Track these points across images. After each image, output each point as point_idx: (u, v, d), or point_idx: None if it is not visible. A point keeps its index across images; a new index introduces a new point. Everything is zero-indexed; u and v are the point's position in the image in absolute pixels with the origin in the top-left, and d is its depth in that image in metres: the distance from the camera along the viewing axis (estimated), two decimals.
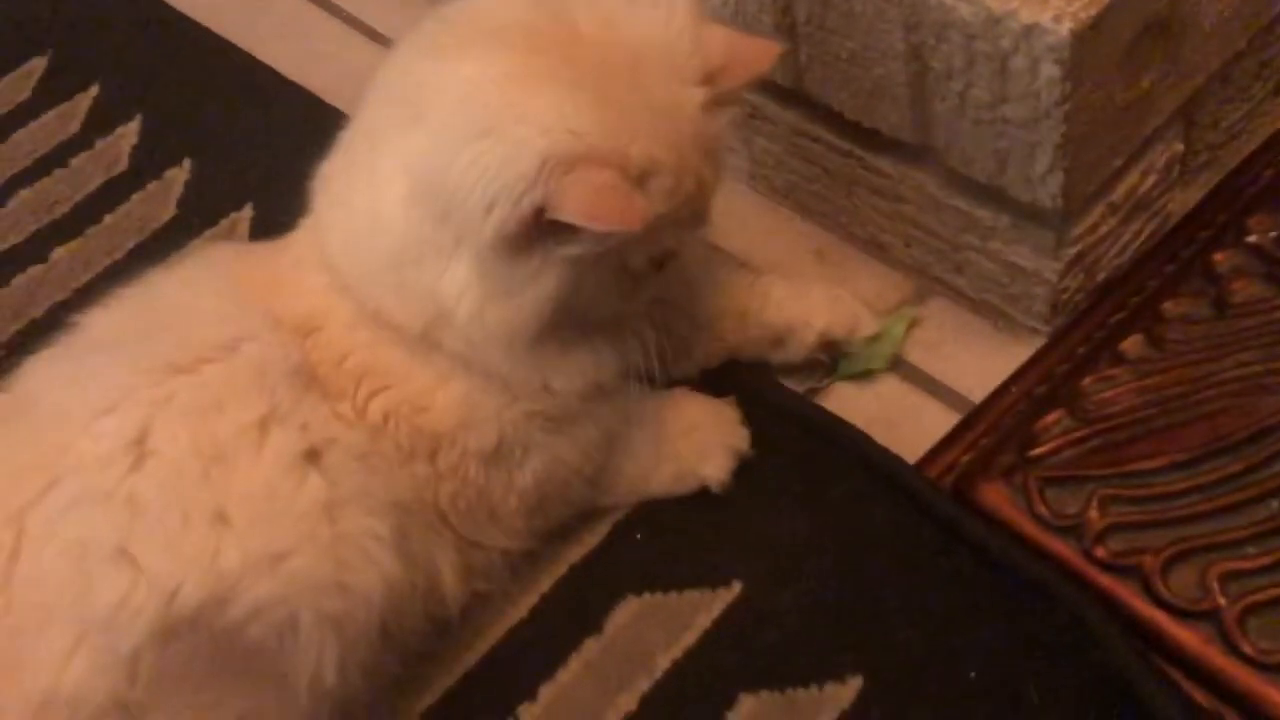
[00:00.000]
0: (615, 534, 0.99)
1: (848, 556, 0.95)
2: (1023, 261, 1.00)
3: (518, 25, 0.81)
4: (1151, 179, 1.02)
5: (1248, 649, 0.86)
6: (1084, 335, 1.02)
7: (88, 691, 0.78)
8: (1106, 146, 0.94)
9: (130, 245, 1.24)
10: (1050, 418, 0.97)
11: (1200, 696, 0.86)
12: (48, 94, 1.39)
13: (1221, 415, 0.94)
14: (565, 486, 0.94)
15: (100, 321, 0.90)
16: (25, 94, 1.40)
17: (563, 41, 0.81)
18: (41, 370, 0.88)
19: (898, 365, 1.06)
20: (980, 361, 1.05)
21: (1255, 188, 1.07)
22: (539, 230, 0.78)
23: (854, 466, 0.99)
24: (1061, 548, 0.92)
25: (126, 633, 0.77)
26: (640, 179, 0.79)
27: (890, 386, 1.05)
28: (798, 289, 1.05)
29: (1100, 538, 0.91)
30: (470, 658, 0.95)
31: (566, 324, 0.85)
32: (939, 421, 1.01)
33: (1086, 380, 0.98)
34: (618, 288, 0.86)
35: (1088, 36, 0.84)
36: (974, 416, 1.01)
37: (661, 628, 0.94)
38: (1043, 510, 0.93)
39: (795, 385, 1.05)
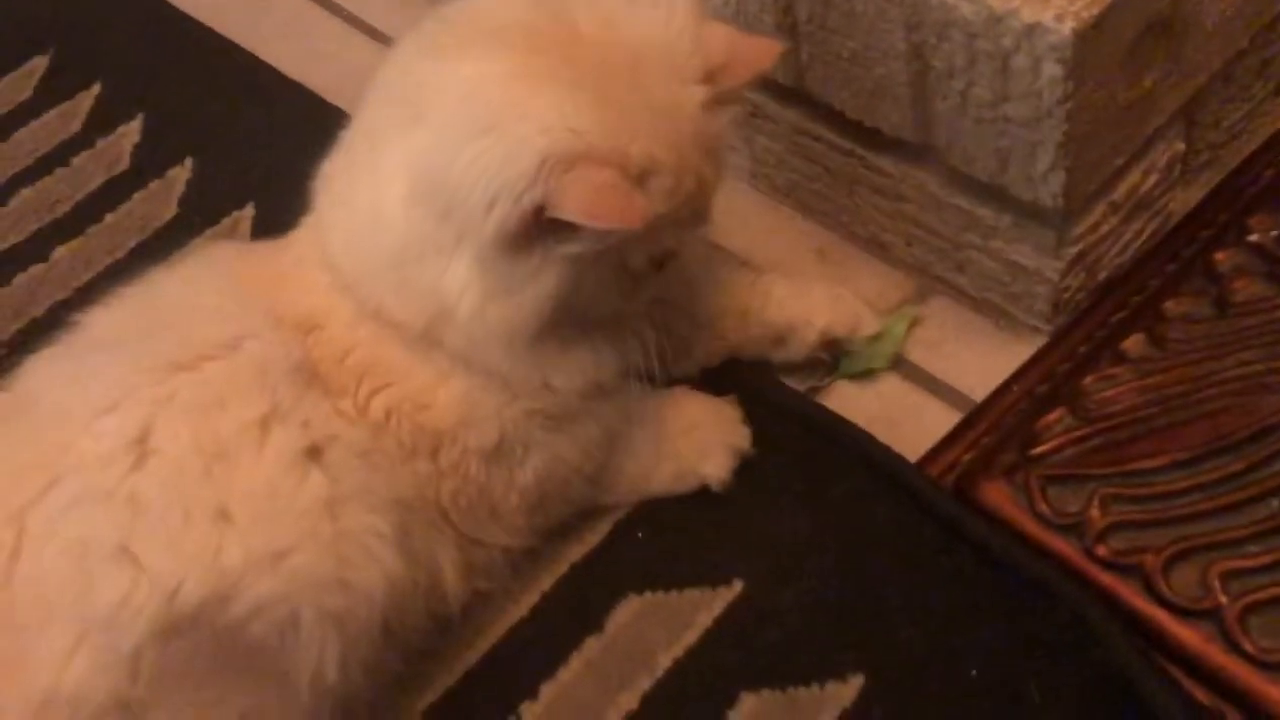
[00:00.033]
0: (616, 532, 0.99)
1: (849, 555, 0.95)
2: (1024, 260, 1.00)
3: (518, 25, 0.81)
4: (1153, 178, 1.02)
5: (1249, 647, 0.86)
6: (1085, 334, 1.02)
7: (89, 690, 0.78)
8: (1108, 145, 0.94)
9: (132, 244, 1.25)
10: (1052, 416, 0.97)
11: (1201, 695, 0.86)
12: (49, 93, 1.39)
13: (1223, 414, 0.94)
14: (566, 484, 0.94)
15: (101, 320, 0.90)
16: (27, 93, 1.40)
17: (563, 41, 0.81)
18: (42, 369, 0.88)
19: (899, 364, 1.06)
20: (981, 360, 1.05)
21: (1256, 187, 1.07)
22: (539, 228, 0.78)
23: (855, 465, 0.99)
24: (1063, 546, 0.92)
25: (128, 631, 0.77)
26: (640, 178, 0.79)
27: (891, 385, 1.05)
28: (799, 288, 1.05)
29: (1102, 536, 0.91)
30: (471, 655, 0.95)
31: (567, 322, 0.85)
32: (940, 420, 1.01)
33: (1088, 379, 0.98)
34: (618, 286, 0.86)
35: (1090, 35, 0.84)
36: (975, 415, 1.01)
37: (663, 626, 0.94)
38: (1044, 509, 0.93)
39: (796, 384, 1.05)
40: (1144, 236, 1.06)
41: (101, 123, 1.35)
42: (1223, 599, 0.87)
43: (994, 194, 0.98)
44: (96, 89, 1.39)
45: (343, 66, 1.34)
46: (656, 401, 0.98)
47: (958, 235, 1.03)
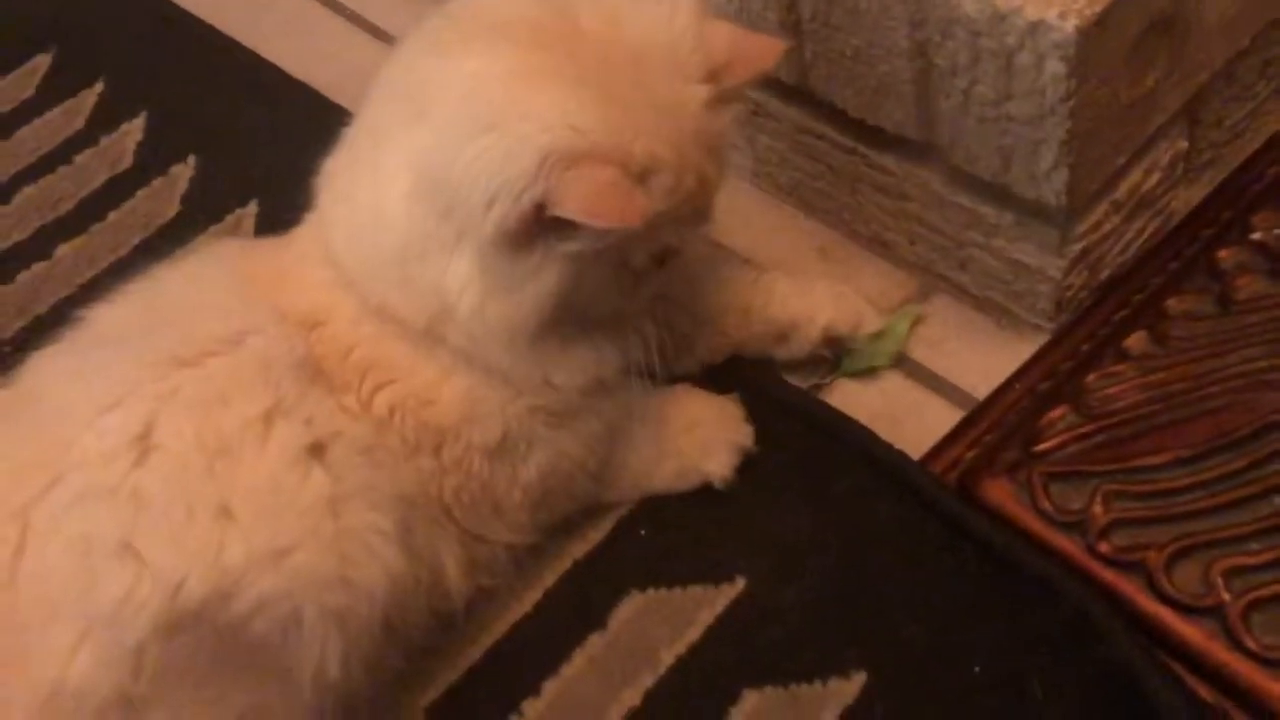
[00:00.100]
0: (619, 529, 0.99)
1: (851, 552, 0.95)
2: (1027, 259, 1.00)
3: (521, 22, 0.82)
4: (1155, 176, 1.02)
5: (1251, 644, 0.86)
6: (1088, 332, 1.02)
7: (93, 685, 0.78)
8: (1111, 144, 0.94)
9: (135, 241, 1.25)
10: (1054, 414, 0.97)
11: (1204, 692, 0.86)
12: (52, 91, 1.40)
13: (1225, 411, 0.94)
14: (568, 481, 0.94)
15: (105, 317, 0.90)
16: (30, 91, 1.40)
17: (566, 38, 0.81)
18: (46, 366, 0.89)
19: (902, 362, 1.06)
20: (984, 358, 1.05)
21: (1259, 185, 1.07)
22: (540, 226, 0.78)
23: (858, 463, 0.99)
24: (1066, 543, 0.92)
25: (131, 627, 0.77)
26: (642, 176, 0.79)
27: (894, 383, 1.05)
28: (801, 285, 1.05)
29: (1104, 533, 0.91)
30: (474, 652, 0.95)
31: (568, 320, 0.85)
32: (943, 418, 1.02)
33: (1090, 377, 0.98)
34: (619, 284, 0.86)
35: (1093, 33, 0.84)
36: (978, 413, 1.01)
37: (665, 623, 0.94)
38: (1047, 506, 0.93)
39: (799, 381, 1.05)
40: (1146, 235, 1.06)
41: (104, 120, 1.36)
42: (1225, 596, 0.87)
43: (997, 192, 0.98)
44: (99, 87, 1.39)
45: (345, 64, 1.34)
46: (659, 399, 0.98)
47: (960, 233, 1.03)
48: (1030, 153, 0.91)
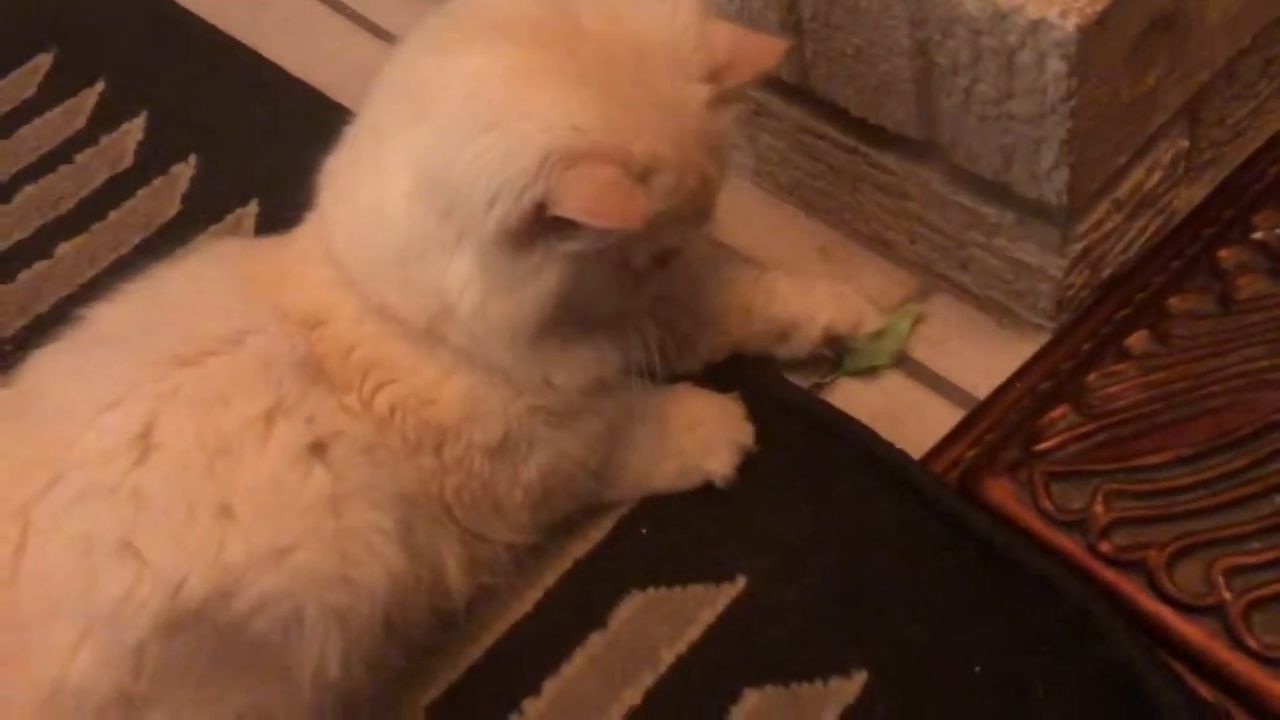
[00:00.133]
0: (620, 529, 0.99)
1: (852, 552, 0.95)
2: (1028, 258, 1.00)
3: (522, 21, 0.81)
4: (1157, 175, 1.02)
5: (1253, 643, 0.85)
6: (1089, 331, 1.02)
7: (93, 684, 0.78)
8: (1112, 143, 0.94)
9: (136, 241, 1.25)
10: (1055, 413, 0.97)
11: (1205, 691, 0.86)
12: (53, 90, 1.40)
13: (1226, 411, 0.94)
14: (569, 480, 0.94)
15: (106, 316, 0.90)
16: (31, 90, 1.40)
17: (567, 37, 0.81)
18: (47, 365, 0.89)
19: (902, 361, 1.06)
20: (985, 358, 1.04)
21: (1261, 184, 1.07)
22: (540, 226, 0.78)
23: (859, 462, 0.99)
24: (1067, 543, 0.92)
25: (131, 626, 0.77)
26: (643, 176, 0.79)
27: (895, 382, 1.05)
28: (802, 285, 1.05)
29: (1105, 533, 0.91)
30: (474, 651, 0.95)
31: (568, 319, 0.85)
32: (944, 417, 1.01)
33: (1091, 376, 0.98)
34: (620, 284, 0.86)
35: (1094, 32, 0.84)
36: (979, 412, 1.01)
37: (666, 622, 0.94)
38: (1048, 505, 0.93)
39: (800, 381, 1.05)
40: (1148, 234, 1.06)
41: (105, 120, 1.36)
42: (1226, 595, 0.87)
43: (998, 191, 0.98)
44: (100, 86, 1.39)
45: (346, 64, 1.34)
46: (660, 398, 0.98)
47: (961, 233, 1.03)
48: (1031, 151, 0.91)
